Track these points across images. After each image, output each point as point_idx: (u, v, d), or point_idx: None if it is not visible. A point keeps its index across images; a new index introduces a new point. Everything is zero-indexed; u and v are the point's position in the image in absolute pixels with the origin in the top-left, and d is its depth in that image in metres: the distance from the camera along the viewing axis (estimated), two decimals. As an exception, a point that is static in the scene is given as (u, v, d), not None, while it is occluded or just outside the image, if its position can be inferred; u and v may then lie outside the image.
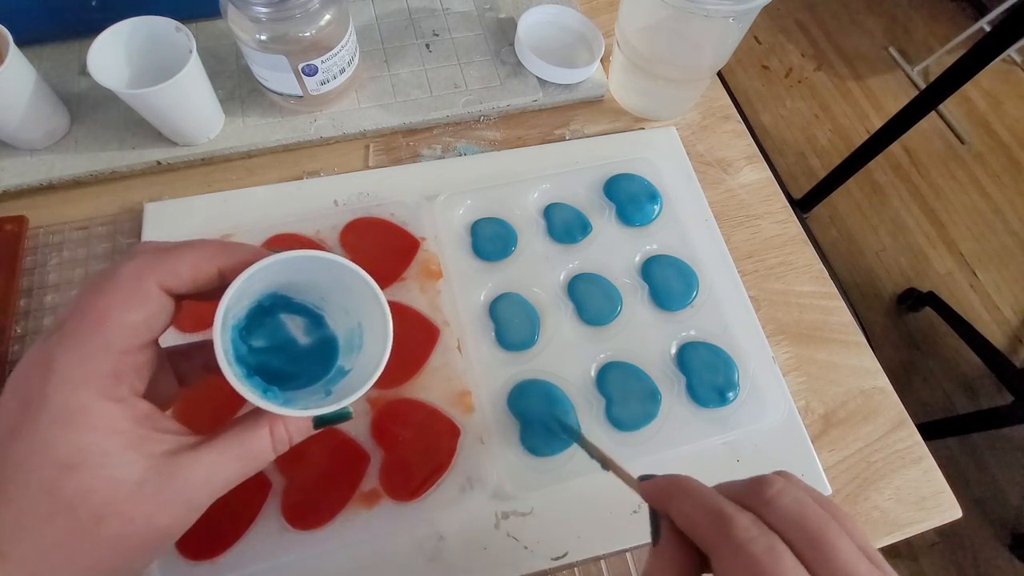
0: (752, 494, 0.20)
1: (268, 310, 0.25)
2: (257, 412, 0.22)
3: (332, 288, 0.25)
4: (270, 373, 0.24)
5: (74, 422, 0.18)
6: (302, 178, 0.45)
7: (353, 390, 0.22)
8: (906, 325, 1.36)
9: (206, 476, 0.20)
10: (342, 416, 0.24)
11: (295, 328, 0.25)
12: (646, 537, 0.35)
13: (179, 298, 0.22)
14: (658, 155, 0.48)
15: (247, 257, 0.21)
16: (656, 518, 0.22)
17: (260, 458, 0.22)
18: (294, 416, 0.22)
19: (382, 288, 0.39)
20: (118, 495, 0.18)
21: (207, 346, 0.21)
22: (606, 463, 0.28)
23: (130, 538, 0.19)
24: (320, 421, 0.23)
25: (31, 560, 0.18)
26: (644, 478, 0.23)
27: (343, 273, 0.23)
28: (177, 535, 0.20)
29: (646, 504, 0.22)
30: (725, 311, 0.42)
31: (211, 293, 0.21)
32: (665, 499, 0.21)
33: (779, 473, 0.21)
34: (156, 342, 0.21)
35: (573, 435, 0.34)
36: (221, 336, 0.20)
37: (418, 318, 0.39)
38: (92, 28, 0.39)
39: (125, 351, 0.19)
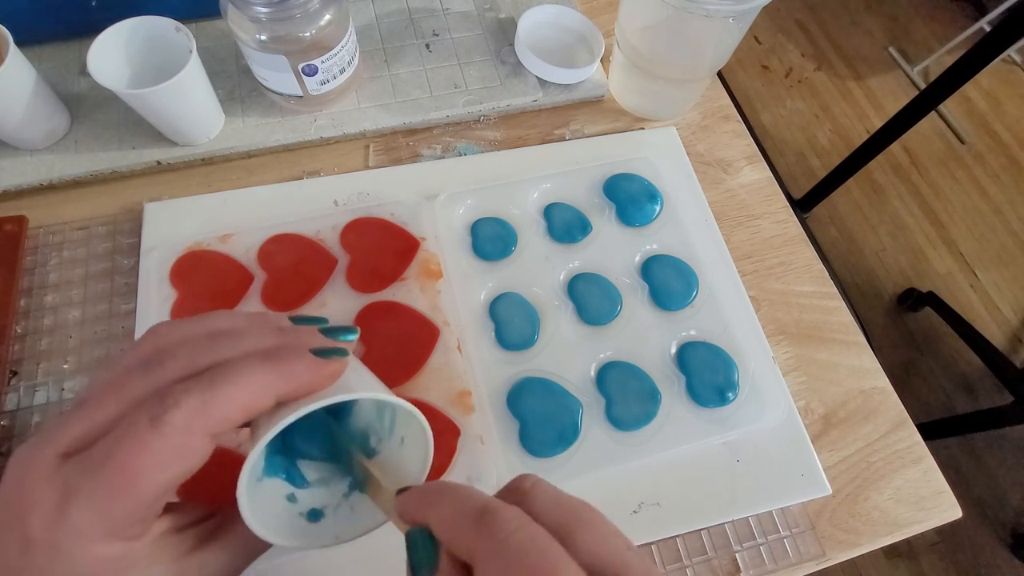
0: (510, 492, 0.19)
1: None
2: None
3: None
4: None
5: (95, 572, 0.17)
6: (302, 178, 0.45)
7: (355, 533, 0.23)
8: (906, 325, 1.36)
9: (221, 571, 0.20)
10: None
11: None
12: (646, 536, 0.35)
13: None
14: (658, 155, 0.48)
15: (307, 380, 0.19)
16: (424, 545, 0.18)
17: (265, 547, 0.22)
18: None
19: (382, 288, 0.40)
20: None
21: None
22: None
23: None
24: None
25: None
26: (402, 491, 0.20)
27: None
28: None
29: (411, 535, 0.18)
30: (725, 311, 0.42)
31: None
32: (425, 508, 0.18)
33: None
34: None
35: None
36: (248, 494, 0.19)
37: (418, 318, 0.39)
38: (92, 28, 0.39)
39: (155, 501, 0.18)
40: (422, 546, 0.18)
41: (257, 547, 0.22)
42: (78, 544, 0.16)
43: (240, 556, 0.21)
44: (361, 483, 0.23)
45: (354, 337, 0.23)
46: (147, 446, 0.17)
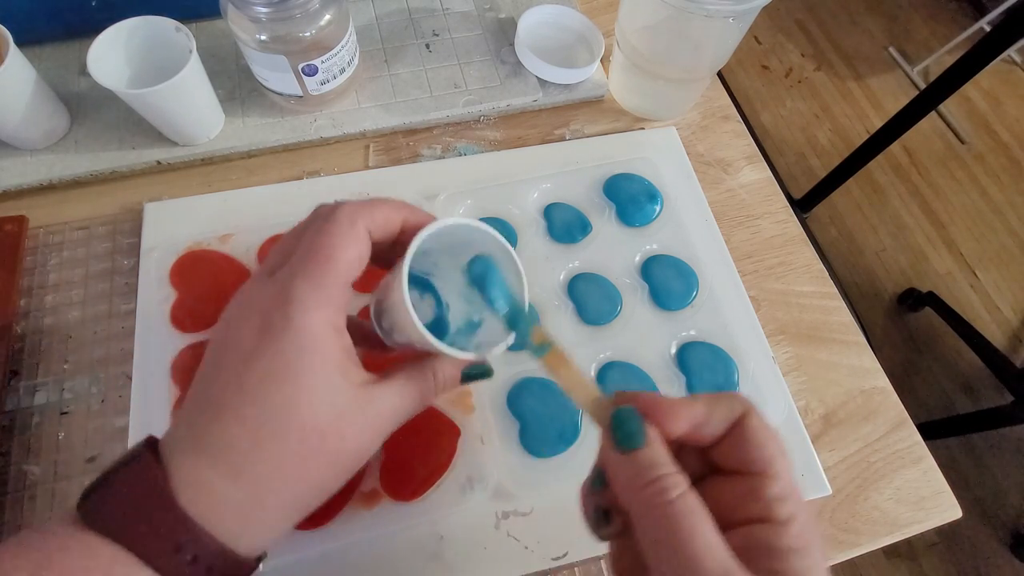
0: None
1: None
2: (420, 359, 0.26)
3: (455, 251, 0.28)
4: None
5: (311, 347, 0.21)
6: (302, 178, 0.45)
7: (493, 344, 0.26)
8: (906, 325, 1.36)
9: (391, 407, 0.23)
10: (486, 373, 0.27)
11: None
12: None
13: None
14: (658, 155, 0.48)
15: (422, 218, 0.25)
16: (636, 419, 0.20)
17: (428, 397, 0.25)
18: (464, 359, 0.25)
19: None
20: (335, 416, 0.21)
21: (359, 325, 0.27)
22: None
23: (342, 455, 0.22)
24: (467, 377, 0.27)
25: (263, 477, 0.20)
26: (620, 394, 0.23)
27: (485, 240, 0.27)
28: (365, 460, 0.23)
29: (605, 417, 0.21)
30: (725, 311, 0.42)
31: (381, 252, 0.25)
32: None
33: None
34: None
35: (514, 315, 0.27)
36: (406, 286, 0.23)
37: (418, 318, 0.39)
38: (92, 28, 0.39)
39: (346, 284, 0.22)
40: (633, 419, 0.21)
41: (425, 391, 0.25)
42: (300, 311, 0.21)
43: (409, 398, 0.24)
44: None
45: None
46: (330, 232, 0.22)
